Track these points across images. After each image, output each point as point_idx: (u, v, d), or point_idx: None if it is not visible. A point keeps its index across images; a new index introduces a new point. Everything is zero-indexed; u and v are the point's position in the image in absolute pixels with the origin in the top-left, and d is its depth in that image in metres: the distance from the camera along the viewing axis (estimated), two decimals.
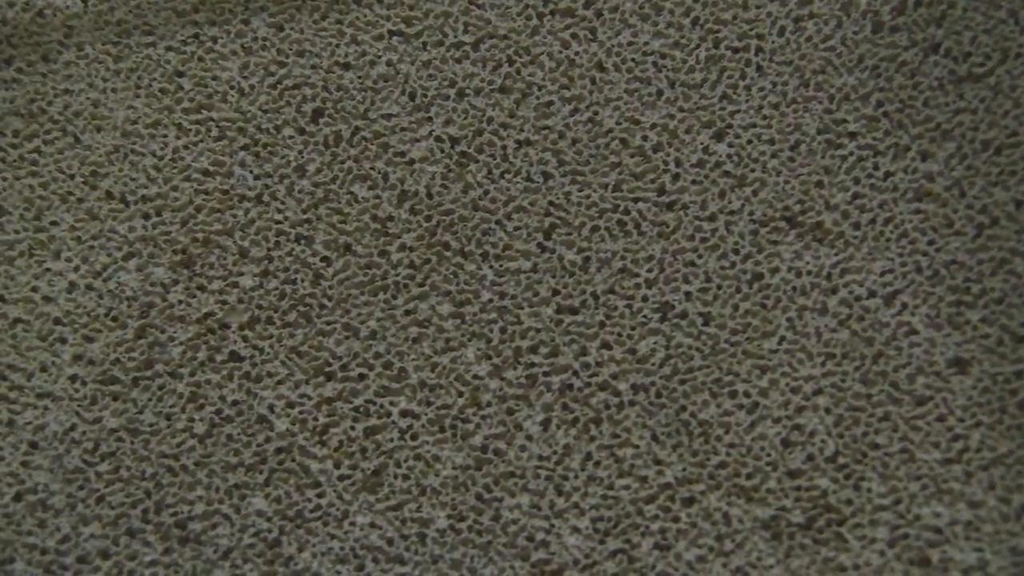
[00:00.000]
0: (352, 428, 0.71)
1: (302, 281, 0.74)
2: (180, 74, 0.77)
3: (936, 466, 0.69)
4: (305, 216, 0.75)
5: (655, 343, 0.72)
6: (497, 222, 0.74)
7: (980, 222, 0.73)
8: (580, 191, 0.74)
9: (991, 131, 0.74)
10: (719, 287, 0.73)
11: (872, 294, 0.72)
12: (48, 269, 0.74)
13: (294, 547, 0.70)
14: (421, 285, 0.73)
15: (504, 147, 0.75)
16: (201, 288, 0.74)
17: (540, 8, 0.76)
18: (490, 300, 0.73)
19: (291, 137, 0.76)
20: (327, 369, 0.72)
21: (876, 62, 0.74)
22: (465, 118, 0.75)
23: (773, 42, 0.75)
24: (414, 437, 0.71)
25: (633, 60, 0.75)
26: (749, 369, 0.71)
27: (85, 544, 0.70)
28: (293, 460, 0.71)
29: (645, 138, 0.75)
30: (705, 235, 0.73)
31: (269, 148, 0.76)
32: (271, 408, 0.72)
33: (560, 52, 0.75)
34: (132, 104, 0.76)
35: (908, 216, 0.73)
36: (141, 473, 0.71)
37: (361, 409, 0.72)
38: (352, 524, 0.70)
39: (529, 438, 0.71)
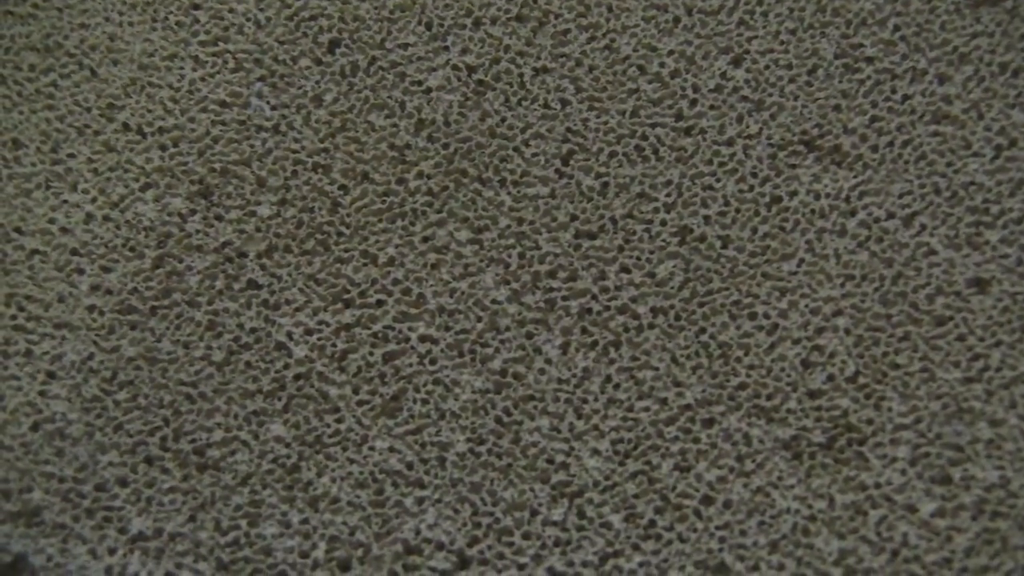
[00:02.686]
0: (371, 354, 0.71)
1: (320, 209, 0.73)
2: (196, 7, 0.77)
3: (957, 385, 0.69)
4: (322, 145, 0.74)
5: (674, 266, 0.72)
6: (515, 149, 0.74)
7: (998, 144, 0.72)
8: (598, 117, 0.74)
9: (1008, 54, 0.73)
10: (738, 210, 0.73)
11: (891, 216, 0.72)
12: (65, 201, 0.74)
13: (313, 472, 0.69)
14: (439, 212, 0.73)
15: (521, 75, 0.75)
16: (219, 218, 0.74)
17: None
18: (508, 226, 0.73)
19: (308, 68, 0.76)
20: (345, 296, 0.72)
21: None
22: (482, 47, 0.76)
23: None
24: (433, 362, 0.71)
25: None
26: (768, 291, 0.71)
27: (103, 472, 0.70)
28: (312, 386, 0.71)
29: (662, 64, 0.75)
30: (723, 159, 0.73)
31: (286, 79, 0.76)
32: (289, 335, 0.72)
33: None
34: (148, 37, 0.77)
35: (926, 139, 0.73)
36: (159, 401, 0.71)
37: (380, 335, 0.72)
38: (371, 449, 0.70)
39: (548, 362, 0.71)
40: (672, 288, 0.71)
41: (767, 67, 0.74)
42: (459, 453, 0.69)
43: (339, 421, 0.70)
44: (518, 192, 0.73)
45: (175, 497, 0.69)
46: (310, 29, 0.76)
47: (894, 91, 0.74)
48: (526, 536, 0.68)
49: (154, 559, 0.68)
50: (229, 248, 0.73)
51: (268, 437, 0.70)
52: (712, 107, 0.74)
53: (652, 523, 0.68)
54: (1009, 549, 0.66)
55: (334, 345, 0.71)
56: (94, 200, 0.74)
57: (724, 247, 0.72)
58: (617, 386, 0.70)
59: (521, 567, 0.68)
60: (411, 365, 0.71)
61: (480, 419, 0.70)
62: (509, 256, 0.72)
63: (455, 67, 0.75)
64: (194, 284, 0.73)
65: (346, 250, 0.73)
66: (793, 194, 0.72)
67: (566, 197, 0.73)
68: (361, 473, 0.69)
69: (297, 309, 0.72)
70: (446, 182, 0.74)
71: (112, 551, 0.68)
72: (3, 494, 0.69)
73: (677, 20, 0.75)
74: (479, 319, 0.71)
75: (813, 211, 0.72)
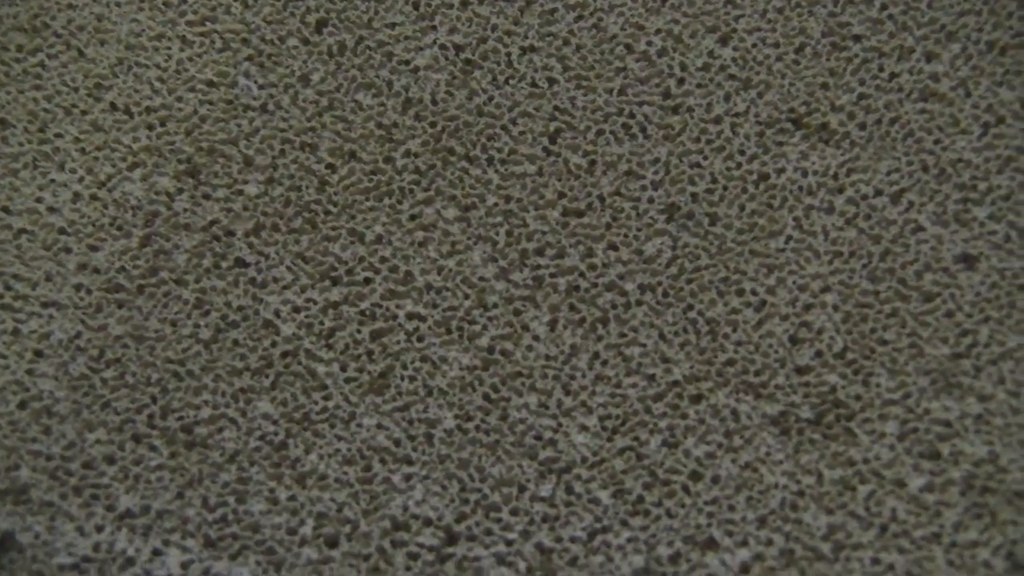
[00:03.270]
0: (358, 331, 0.71)
1: (307, 188, 0.73)
2: None
3: (945, 361, 0.69)
4: (310, 124, 0.74)
5: (662, 243, 0.72)
6: (502, 127, 0.74)
7: (986, 121, 0.72)
8: (585, 96, 0.74)
9: (995, 32, 0.74)
10: (725, 188, 0.73)
11: (879, 193, 0.72)
12: (53, 180, 0.74)
13: (301, 449, 0.69)
14: (426, 190, 0.73)
15: (508, 54, 0.75)
16: (206, 196, 0.74)
17: None
18: (496, 204, 0.73)
19: (295, 48, 0.76)
20: (333, 274, 0.72)
21: None
22: (469, 26, 0.76)
23: None
24: (420, 339, 0.71)
25: None
26: (756, 268, 0.71)
27: (91, 450, 0.70)
28: (299, 364, 0.71)
29: (650, 43, 0.75)
30: (711, 137, 0.73)
31: (273, 58, 0.76)
32: (277, 313, 0.71)
33: None
34: (136, 17, 0.77)
35: (914, 116, 0.73)
36: (147, 379, 0.71)
37: (367, 312, 0.71)
38: (359, 426, 0.70)
39: (536, 338, 0.71)
40: (660, 265, 0.71)
41: (754, 46, 0.74)
42: (447, 430, 0.69)
43: (327, 398, 0.70)
44: (505, 170, 0.73)
45: (163, 474, 0.69)
46: (297, 9, 0.76)
47: (881, 69, 0.74)
48: (514, 512, 0.68)
49: (142, 536, 0.68)
50: (216, 227, 0.73)
51: (256, 414, 0.70)
52: (699, 85, 0.74)
53: (640, 499, 0.68)
54: (998, 523, 0.66)
55: (322, 323, 0.71)
56: (81, 179, 0.74)
57: (712, 224, 0.72)
58: (605, 363, 0.70)
59: (509, 543, 0.67)
60: (399, 342, 0.71)
61: (468, 396, 0.70)
62: (497, 234, 0.72)
63: (442, 46, 0.75)
64: (181, 263, 0.72)
65: (333, 228, 0.73)
66: (781, 171, 0.72)
67: (553, 175, 0.73)
68: (349, 450, 0.69)
69: (285, 287, 0.72)
70: (433, 160, 0.74)
71: (100, 528, 0.68)
72: None
73: None
74: (467, 296, 0.71)
75: (801, 188, 0.72)
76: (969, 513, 0.67)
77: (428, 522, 0.68)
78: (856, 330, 0.70)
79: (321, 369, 0.70)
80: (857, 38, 0.74)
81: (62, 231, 0.73)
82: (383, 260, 0.72)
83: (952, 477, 0.67)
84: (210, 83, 0.75)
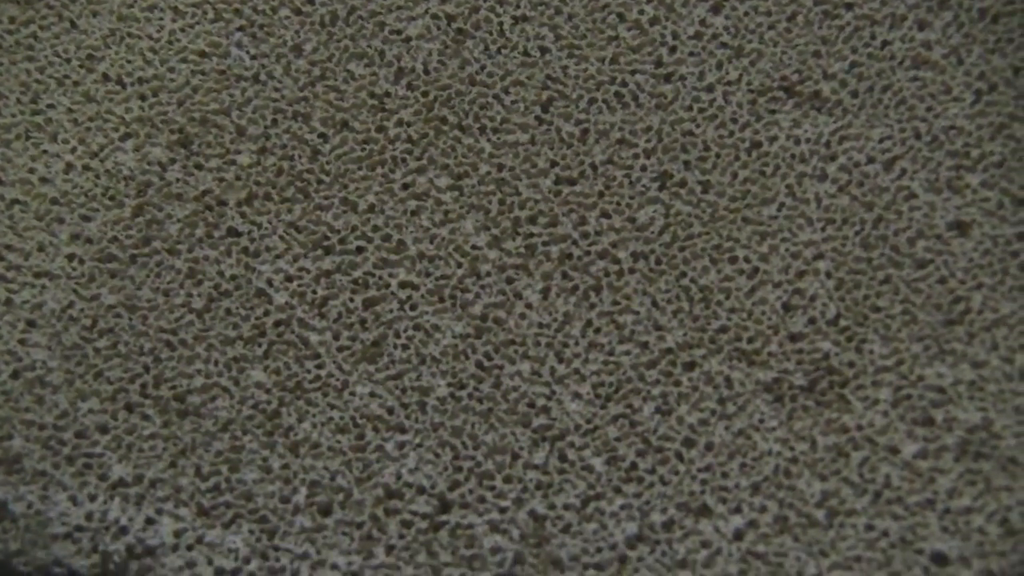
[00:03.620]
0: (351, 300, 0.71)
1: (300, 157, 0.73)
2: None
3: (938, 327, 0.69)
4: (302, 94, 0.74)
5: (654, 211, 0.72)
6: (494, 96, 0.74)
7: (978, 88, 0.72)
8: (577, 65, 0.74)
9: (987, 0, 0.73)
10: (718, 156, 0.72)
11: (871, 160, 0.72)
12: (45, 151, 0.74)
13: (294, 418, 0.69)
14: (419, 159, 0.73)
15: (500, 23, 0.75)
16: (199, 166, 0.74)
17: None
18: (488, 172, 0.73)
19: (287, 18, 0.76)
20: (325, 243, 0.72)
21: None
22: None
23: None
24: (413, 307, 0.71)
25: None
26: (749, 235, 0.71)
27: (83, 419, 0.69)
28: (292, 332, 0.71)
29: (641, 12, 0.75)
30: (703, 105, 0.73)
31: (265, 29, 0.76)
32: (269, 282, 0.71)
33: None
34: None
35: (906, 84, 0.73)
36: (139, 348, 0.70)
37: (360, 281, 0.71)
38: (352, 394, 0.69)
39: (529, 306, 0.71)
40: (653, 233, 0.71)
41: (746, 14, 0.74)
42: (440, 398, 0.69)
43: (320, 367, 0.70)
44: (498, 139, 0.73)
45: (156, 443, 0.69)
46: None
47: (874, 37, 0.74)
48: (508, 480, 0.68)
49: (135, 505, 0.68)
50: (209, 196, 0.73)
51: (248, 383, 0.70)
52: (691, 54, 0.74)
53: (634, 466, 0.68)
54: (992, 490, 0.66)
55: (314, 292, 0.71)
56: (74, 150, 0.74)
57: (704, 192, 0.72)
58: (598, 330, 0.70)
59: (503, 510, 0.67)
60: (391, 311, 0.71)
61: (461, 364, 0.70)
62: (489, 202, 0.72)
63: (434, 16, 0.75)
64: (174, 232, 0.72)
65: (326, 198, 0.73)
66: (773, 139, 0.72)
67: (546, 144, 0.73)
68: (342, 418, 0.69)
69: (277, 256, 0.72)
70: (426, 130, 0.74)
71: (92, 497, 0.68)
72: None
73: None
74: (459, 265, 0.71)
75: (793, 156, 0.72)
76: (963, 479, 0.67)
77: (421, 490, 0.68)
78: (849, 297, 0.70)
79: (314, 338, 0.70)
80: (849, 6, 0.74)
81: (54, 201, 0.73)
82: (376, 229, 0.72)
83: (946, 443, 0.67)
84: (202, 54, 0.75)
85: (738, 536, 0.67)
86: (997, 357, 0.68)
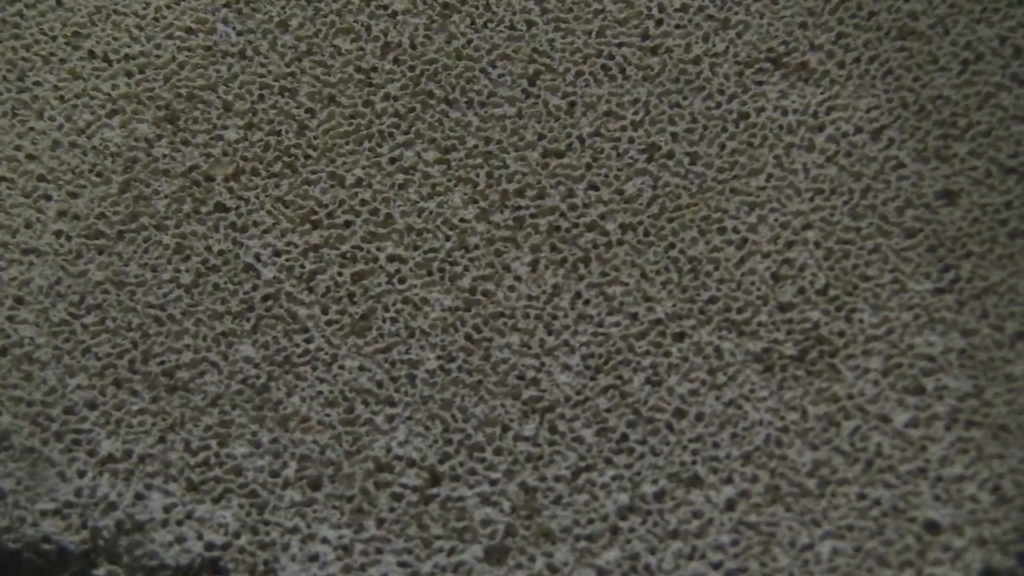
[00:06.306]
0: (339, 274, 0.71)
1: (287, 132, 0.73)
2: None
3: (928, 296, 0.69)
4: (289, 70, 0.74)
5: (642, 183, 0.72)
6: (481, 70, 0.74)
7: (965, 58, 0.72)
8: (564, 38, 0.74)
9: None
10: (705, 127, 0.72)
11: (859, 130, 0.72)
12: (32, 128, 0.74)
13: (283, 392, 0.69)
14: (406, 133, 0.73)
15: None
16: (185, 142, 0.73)
17: None
18: (476, 146, 0.73)
19: None
20: (313, 217, 0.72)
21: None
22: None
23: None
24: (402, 281, 0.71)
25: None
26: (737, 206, 0.71)
27: (72, 395, 0.69)
28: (280, 307, 0.70)
29: None
30: (690, 77, 0.73)
31: (252, 4, 0.76)
32: (257, 257, 0.71)
33: None
34: None
35: (893, 54, 0.73)
36: (127, 324, 0.70)
37: (348, 255, 0.71)
38: (341, 368, 0.69)
39: (518, 279, 0.70)
40: (641, 204, 0.71)
41: None
42: (429, 371, 0.69)
43: (308, 341, 0.70)
44: (485, 112, 0.73)
45: (144, 419, 0.69)
46: None
47: (860, 7, 0.74)
48: (498, 452, 0.68)
49: (124, 481, 0.68)
50: (196, 172, 0.73)
51: (237, 358, 0.69)
52: (678, 26, 0.74)
53: (624, 437, 0.68)
54: (984, 458, 0.66)
55: (302, 266, 0.71)
56: (60, 127, 0.74)
57: (692, 163, 0.72)
58: (587, 302, 0.70)
59: (493, 482, 0.67)
60: (380, 284, 0.71)
61: (450, 337, 0.70)
62: (477, 176, 0.72)
63: None
64: (161, 208, 0.72)
65: (313, 172, 0.72)
66: (760, 110, 0.72)
67: (533, 117, 0.73)
68: (331, 392, 0.69)
69: (265, 231, 0.71)
70: (413, 104, 0.73)
71: (82, 473, 0.68)
72: None
73: None
74: (448, 238, 0.71)
75: (781, 127, 0.72)
76: (954, 447, 0.66)
77: (411, 463, 0.68)
78: (838, 266, 0.69)
79: (302, 312, 0.70)
80: None
81: (41, 178, 0.73)
82: (363, 203, 0.72)
83: (937, 412, 0.67)
84: (188, 30, 0.75)
85: (730, 506, 0.66)
86: (987, 325, 0.68)
